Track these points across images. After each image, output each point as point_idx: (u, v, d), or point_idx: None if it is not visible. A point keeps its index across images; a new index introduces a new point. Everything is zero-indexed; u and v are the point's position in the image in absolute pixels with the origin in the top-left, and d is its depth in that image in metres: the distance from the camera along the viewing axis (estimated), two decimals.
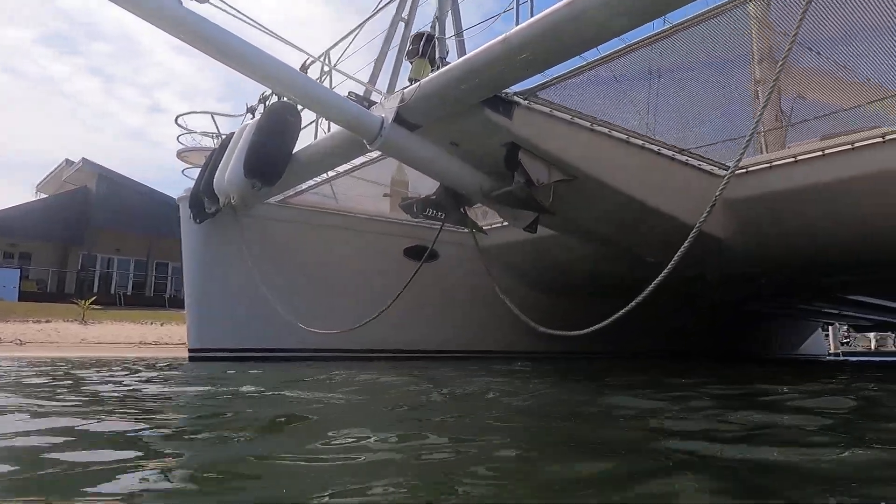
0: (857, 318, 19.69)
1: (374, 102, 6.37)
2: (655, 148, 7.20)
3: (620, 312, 4.95)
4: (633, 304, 4.89)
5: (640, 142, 7.02)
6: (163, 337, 23.49)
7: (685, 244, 4.58)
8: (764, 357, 20.69)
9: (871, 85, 7.10)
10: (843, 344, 35.40)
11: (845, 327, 32.78)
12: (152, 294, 35.12)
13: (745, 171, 7.88)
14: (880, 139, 6.77)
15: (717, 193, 4.55)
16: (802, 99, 8.80)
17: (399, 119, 5.94)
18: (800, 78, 7.91)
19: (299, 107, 8.09)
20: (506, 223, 11.47)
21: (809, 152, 7.31)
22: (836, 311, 17.51)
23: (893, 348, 44.19)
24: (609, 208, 7.52)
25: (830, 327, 29.71)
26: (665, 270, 4.69)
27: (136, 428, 2.94)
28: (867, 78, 7.07)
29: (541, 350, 13.44)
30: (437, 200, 6.94)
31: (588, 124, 6.51)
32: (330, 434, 2.82)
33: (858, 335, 41.79)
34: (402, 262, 11.61)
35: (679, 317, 15.70)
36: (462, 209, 7.18)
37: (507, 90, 5.85)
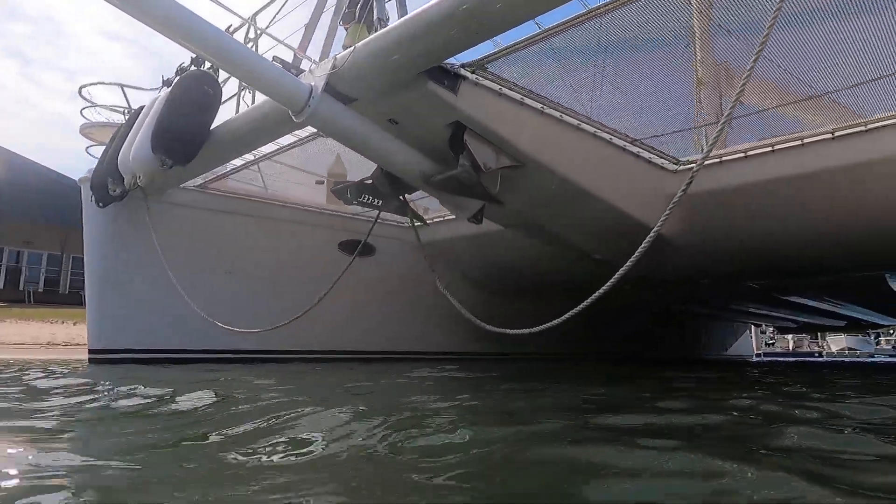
0: (786, 319, 20.41)
1: (304, 71, 5.62)
2: (607, 136, 6.80)
3: (569, 314, 4.52)
4: (584, 304, 4.49)
5: (592, 129, 6.60)
6: (74, 337, 21.47)
7: (643, 245, 4.17)
8: (696, 359, 21.16)
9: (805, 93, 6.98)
10: (768, 345, 37.18)
11: (771, 329, 34.38)
12: (67, 291, 32.44)
13: (693, 165, 7.63)
14: (829, 135, 6.64)
15: (682, 191, 4.16)
16: (741, 104, 8.69)
17: (330, 89, 5.22)
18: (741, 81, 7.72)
19: (222, 78, 7.23)
20: (449, 216, 10.96)
21: (760, 147, 7.11)
22: (768, 313, 18.03)
23: (807, 349, 46.96)
24: (558, 200, 7.07)
25: (756, 328, 30.98)
26: (622, 270, 4.28)
27: None
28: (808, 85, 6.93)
29: (491, 352, 12.99)
30: (374, 185, 6.26)
31: (539, 106, 6.01)
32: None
33: (777, 337, 44.13)
34: (338, 258, 10.84)
35: (617, 319, 15.67)
36: (402, 196, 6.53)
37: (453, 61, 5.25)
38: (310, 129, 7.25)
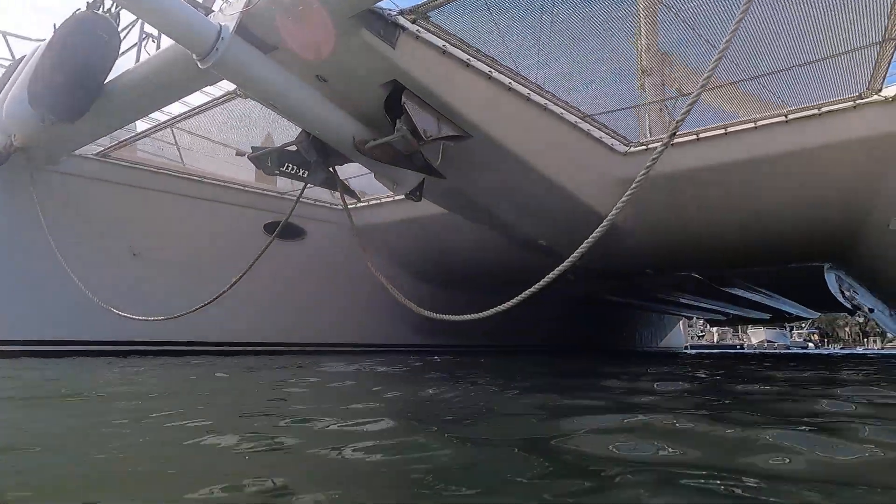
0: (719, 311, 20.96)
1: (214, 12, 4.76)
2: (558, 110, 6.29)
3: (509, 303, 4.07)
4: (527, 293, 4.08)
5: (543, 101, 6.07)
6: None
7: (595, 233, 3.76)
8: (631, 350, 21.44)
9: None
10: (698, 338, 38.68)
11: (701, 322, 35.65)
12: None
13: (644, 147, 7.28)
14: (783, 118, 6.41)
15: (637, 182, 3.76)
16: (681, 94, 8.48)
17: (244, 32, 4.42)
18: (682, 72, 7.44)
19: (123, 25, 6.20)
20: (387, 198, 10.24)
21: (712, 130, 6.82)
22: (703, 305, 18.36)
23: (730, 341, 49.34)
24: (504, 178, 6.52)
25: (685, 321, 31.99)
26: (570, 259, 3.90)
27: None
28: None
29: (426, 344, 12.39)
30: (299, 153, 5.47)
31: (487, 70, 5.41)
32: None
33: (705, 330, 46.06)
34: (263, 241, 9.91)
35: (554, 311, 15.47)
36: (331, 168, 5.77)
37: (391, 7, 4.56)
38: (225, 87, 6.35)
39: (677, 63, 7.50)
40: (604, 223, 3.69)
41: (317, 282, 10.69)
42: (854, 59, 5.54)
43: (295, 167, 5.63)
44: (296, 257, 10.28)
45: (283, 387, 4.44)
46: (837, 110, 6.09)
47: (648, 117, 8.00)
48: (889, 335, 62.81)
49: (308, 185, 5.96)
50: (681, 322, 28.15)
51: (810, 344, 54.48)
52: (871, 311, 14.13)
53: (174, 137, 9.31)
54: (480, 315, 4.22)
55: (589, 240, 3.84)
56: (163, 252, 8.78)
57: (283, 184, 10.61)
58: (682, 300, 16.05)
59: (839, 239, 7.45)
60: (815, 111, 6.19)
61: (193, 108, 7.12)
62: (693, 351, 27.12)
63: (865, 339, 65.63)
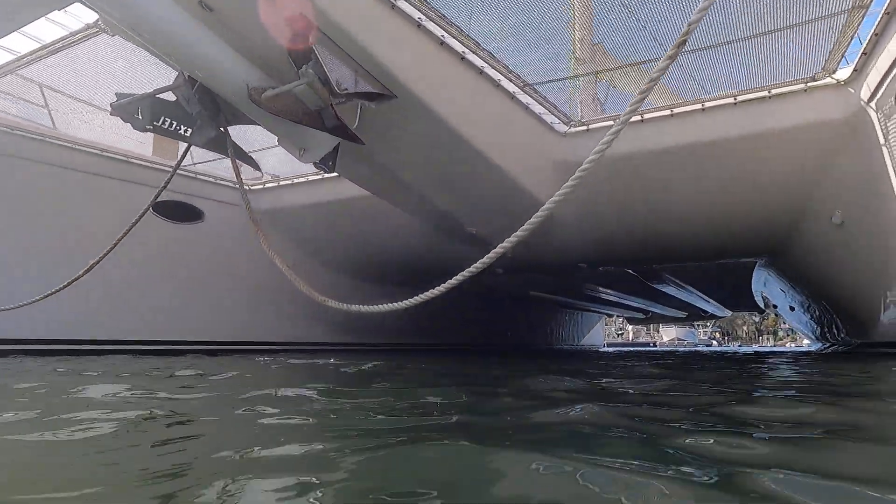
0: (640, 309, 21.24)
1: None
2: (497, 76, 5.53)
3: (423, 296, 3.38)
4: (450, 283, 3.42)
5: (481, 62, 5.28)
6: None
7: (533, 220, 3.15)
8: (551, 348, 21.34)
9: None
10: (618, 335, 39.72)
11: (621, 319, 36.59)
12: None
13: (585, 128, 6.70)
14: (732, 100, 5.99)
15: (583, 169, 3.17)
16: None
17: None
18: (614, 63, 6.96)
19: None
20: (299, 178, 9.14)
21: (658, 110, 6.32)
22: (628, 303, 18.43)
23: (644, 339, 51.36)
24: (432, 153, 5.68)
25: (603, 319, 32.62)
26: (503, 245, 3.23)
27: None
28: None
29: (341, 342, 11.36)
30: (178, 102, 4.35)
31: (417, 16, 4.54)
32: None
33: (624, 328, 47.58)
34: (158, 225, 8.54)
35: (481, 308, 14.88)
36: (221, 127, 4.68)
37: None
38: (85, 20, 5.09)
39: (611, 56, 6.98)
40: (542, 209, 3.06)
41: (216, 272, 9.41)
42: (813, 37, 5.15)
43: (174, 122, 4.50)
44: (191, 243, 8.96)
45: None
46: (788, 93, 5.72)
47: (581, 108, 7.43)
48: (780, 334, 68.15)
49: (210, 159, 4.88)
50: (601, 320, 28.59)
51: (714, 342, 57.79)
52: (792, 309, 14.55)
53: (44, 98, 7.78)
54: (390, 307, 3.40)
55: (525, 227, 3.21)
56: (25, 234, 7.26)
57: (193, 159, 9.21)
58: (609, 297, 15.96)
59: (779, 232, 7.22)
60: (766, 93, 5.80)
61: (45, 46, 5.74)
62: (612, 349, 27.61)
63: (760, 337, 70.79)
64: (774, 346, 55.23)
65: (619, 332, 41.97)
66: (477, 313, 15.24)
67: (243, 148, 5.19)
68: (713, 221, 7.09)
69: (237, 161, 4.85)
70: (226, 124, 4.66)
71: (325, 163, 5.01)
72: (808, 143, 5.83)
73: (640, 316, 24.62)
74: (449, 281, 3.36)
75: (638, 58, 6.16)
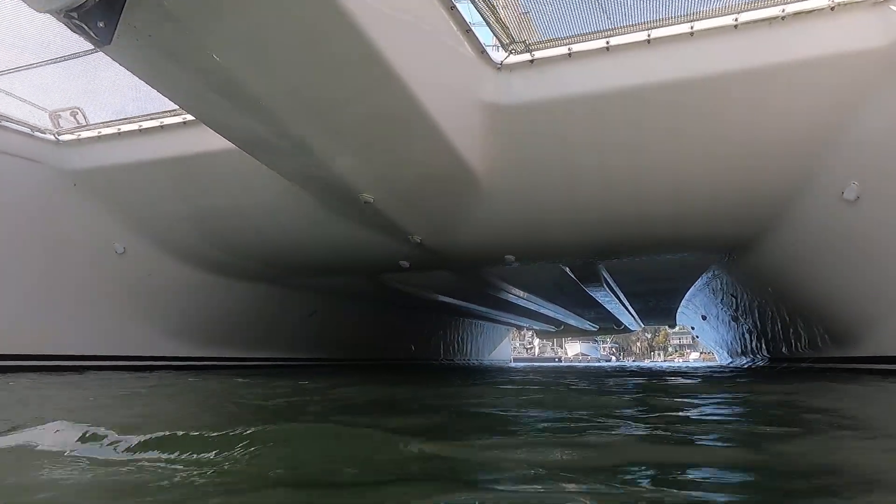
0: (555, 320, 19.76)
1: None
2: None
3: None
4: None
5: None
6: None
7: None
8: (458, 364, 19.48)
9: None
10: (527, 350, 38.75)
11: (531, 333, 35.58)
12: None
13: (529, 57, 4.82)
14: (732, 23, 4.35)
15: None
16: None
17: None
18: None
19: None
20: (125, 124, 6.44)
21: (629, 32, 4.56)
22: (546, 314, 16.76)
23: (549, 354, 51.25)
24: (303, 51, 3.51)
25: (511, 332, 31.30)
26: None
27: None
28: None
29: (195, 356, 8.71)
30: None
31: None
32: None
33: (532, 343, 46.95)
34: None
35: (374, 317, 12.66)
36: None
37: None
38: None
39: None
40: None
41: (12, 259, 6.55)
42: None
43: None
44: None
45: None
46: (809, 12, 4.15)
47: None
48: (670, 349, 71.37)
49: None
50: (510, 333, 27.23)
51: (612, 357, 59.09)
52: (704, 318, 13.62)
53: None
54: None
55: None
56: None
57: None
58: (528, 305, 14.16)
59: (763, 216, 5.68)
60: (779, 12, 4.20)
61: None
62: (521, 365, 26.32)
63: (652, 353, 73.82)
64: (664, 360, 57.34)
65: (528, 347, 41.21)
66: (377, 325, 13.00)
67: None
68: (687, 197, 5.41)
69: None
70: None
71: (89, 22, 2.72)
72: (828, 84, 4.31)
73: (552, 329, 23.37)
74: None
75: None
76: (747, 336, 10.40)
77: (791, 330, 7.56)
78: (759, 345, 9.70)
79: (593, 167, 5.20)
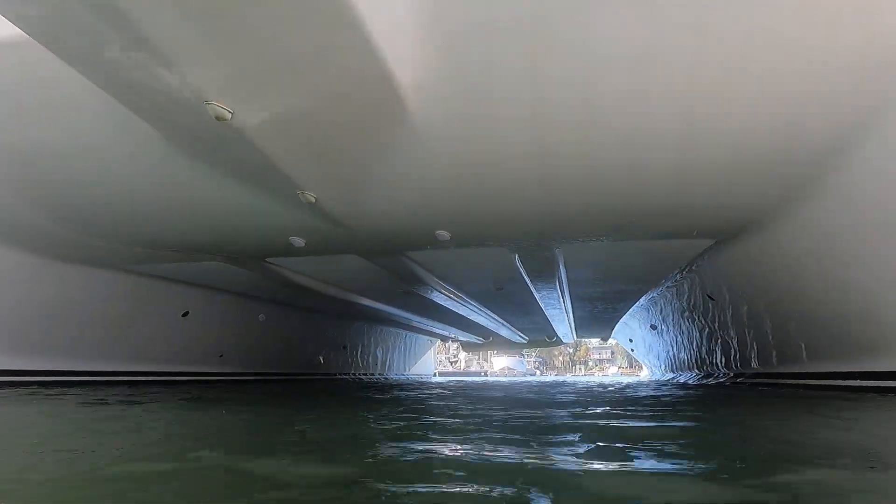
0: (484, 329, 18.12)
1: None
2: None
3: None
4: None
5: None
6: None
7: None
8: (373, 381, 17.46)
9: None
10: (451, 363, 37.04)
11: (455, 346, 33.91)
12: None
13: None
14: None
15: None
16: None
17: None
18: None
19: None
20: None
21: None
22: (477, 321, 15.05)
23: (475, 368, 49.92)
24: None
25: (436, 345, 29.52)
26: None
27: None
28: None
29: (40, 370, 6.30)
30: None
31: None
32: None
33: (458, 357, 45.36)
34: None
35: (277, 326, 10.54)
36: None
37: None
38: None
39: None
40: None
41: None
42: None
43: None
44: None
45: None
46: None
47: None
48: (590, 363, 72.40)
49: None
50: (434, 346, 25.47)
51: (537, 371, 58.76)
52: (654, 328, 12.59)
53: None
54: None
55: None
56: None
57: None
58: (458, 310, 12.32)
59: (790, 185, 4.23)
60: None
61: None
62: (446, 379, 24.63)
63: (574, 367, 74.59)
64: (584, 374, 57.96)
65: (453, 361, 39.54)
66: (274, 333, 10.85)
67: None
68: (702, 143, 3.83)
69: None
70: None
71: None
72: None
73: (480, 341, 21.75)
74: None
75: None
76: (713, 346, 9.16)
77: (776, 338, 6.27)
78: (723, 358, 8.46)
79: (576, 86, 3.52)
